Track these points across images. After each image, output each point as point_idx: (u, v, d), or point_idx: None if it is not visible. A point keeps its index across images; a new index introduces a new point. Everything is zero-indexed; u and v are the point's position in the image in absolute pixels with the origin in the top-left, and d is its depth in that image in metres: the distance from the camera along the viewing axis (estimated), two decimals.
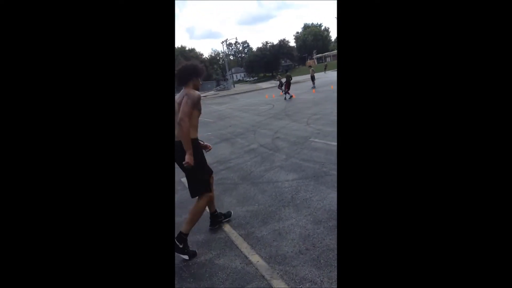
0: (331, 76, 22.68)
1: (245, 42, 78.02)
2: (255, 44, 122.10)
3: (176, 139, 1.88)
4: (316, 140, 4.48)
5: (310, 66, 17.18)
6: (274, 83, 25.82)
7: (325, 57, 57.60)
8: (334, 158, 3.49)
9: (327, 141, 4.33)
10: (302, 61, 59.33)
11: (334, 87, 12.71)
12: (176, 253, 1.89)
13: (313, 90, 13.05)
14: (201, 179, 1.97)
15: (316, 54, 59.08)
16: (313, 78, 15.02)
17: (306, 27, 68.87)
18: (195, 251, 1.99)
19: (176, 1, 1.20)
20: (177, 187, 3.27)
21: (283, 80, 12.84)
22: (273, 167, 3.53)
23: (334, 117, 6.06)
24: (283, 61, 53.04)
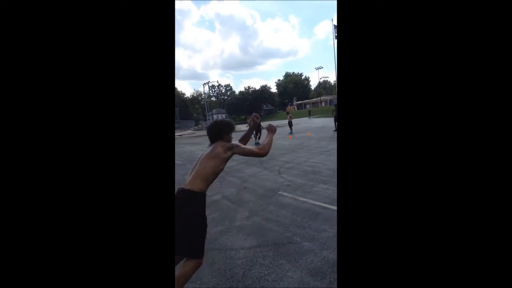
0: (314, 122, 23.31)
1: (228, 85, 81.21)
2: (238, 89, 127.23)
3: (184, 186, 1.69)
4: (285, 194, 4.10)
5: (287, 113, 17.54)
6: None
7: (305, 104, 60.45)
8: (301, 218, 3.10)
9: (296, 195, 3.96)
10: (283, 106, 61.73)
11: (311, 133, 12.80)
12: None
13: (290, 136, 13.08)
14: (202, 241, 1.70)
15: (296, 101, 61.93)
16: (290, 124, 15.22)
17: (287, 75, 73.20)
18: None
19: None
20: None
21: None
22: (231, 228, 3.05)
23: (306, 167, 5.79)
24: (264, 105, 54.84)
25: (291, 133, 14.38)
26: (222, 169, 1.82)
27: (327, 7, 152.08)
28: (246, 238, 2.75)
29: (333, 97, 57.33)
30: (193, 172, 1.75)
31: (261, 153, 1.82)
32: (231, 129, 1.96)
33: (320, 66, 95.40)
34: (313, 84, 76.71)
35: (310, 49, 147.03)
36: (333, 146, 8.38)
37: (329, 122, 18.67)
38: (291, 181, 4.83)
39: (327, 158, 6.59)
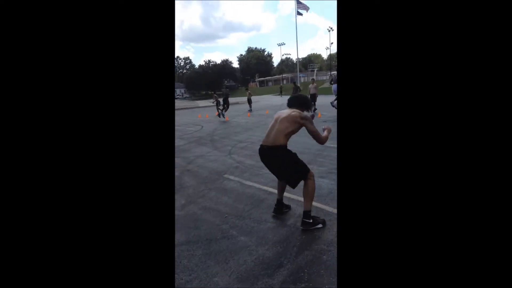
0: (276, 100, 23.08)
1: (187, 58, 76.88)
2: (198, 62, 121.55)
3: (269, 144, 2.25)
4: (231, 177, 3.76)
5: (247, 89, 17.00)
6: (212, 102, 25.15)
7: (267, 81, 59.93)
8: (242, 205, 2.79)
9: (242, 179, 3.64)
10: (245, 83, 60.58)
11: (270, 111, 12.55)
12: (310, 228, 2.19)
13: (248, 113, 12.70)
14: (302, 165, 2.26)
15: (259, 78, 61.11)
16: (249, 101, 14.79)
17: (250, 50, 71.26)
18: (324, 219, 2.30)
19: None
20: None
21: (221, 100, 12.20)
22: None
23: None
24: (226, 81, 53.24)
25: (250, 110, 13.99)
26: (295, 131, 2.26)
27: None
28: (176, 232, 2.37)
29: (295, 74, 57.67)
30: (274, 131, 2.25)
31: (321, 140, 2.27)
32: (309, 107, 2.57)
33: (283, 42, 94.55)
34: (276, 61, 76.16)
35: (274, 25, 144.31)
36: None
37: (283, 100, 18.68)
38: (240, 162, 4.50)
39: None
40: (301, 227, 2.21)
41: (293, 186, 2.29)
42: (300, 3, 32.12)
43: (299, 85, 13.30)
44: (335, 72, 13.23)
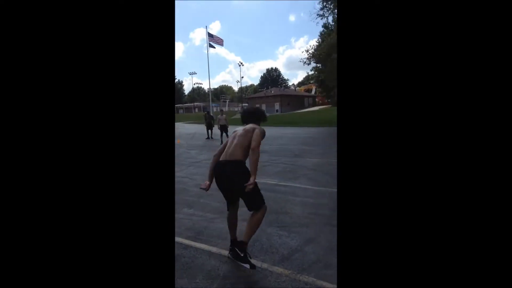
0: (187, 128, 22.14)
1: None
2: None
3: (228, 159, 2.10)
4: None
5: None
6: None
7: (178, 108, 58.34)
8: None
9: None
10: None
11: (181, 141, 11.79)
12: (237, 261, 2.03)
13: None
14: (259, 194, 2.10)
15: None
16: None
17: None
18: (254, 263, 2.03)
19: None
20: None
21: None
22: None
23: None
24: None
25: None
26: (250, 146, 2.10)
27: (203, 14, 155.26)
28: None
29: (207, 104, 58.22)
30: (232, 146, 2.14)
31: (255, 155, 2.06)
32: (265, 116, 2.55)
33: (194, 71, 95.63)
34: (187, 89, 75.57)
35: (185, 54, 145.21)
36: (204, 156, 7.74)
37: (202, 129, 18.23)
38: None
39: (195, 170, 5.83)
40: (228, 255, 2.10)
41: (251, 208, 2.08)
42: (212, 36, 33.35)
43: (212, 114, 13.11)
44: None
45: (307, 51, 19.35)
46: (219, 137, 10.98)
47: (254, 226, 2.06)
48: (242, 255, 2.01)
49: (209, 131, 12.47)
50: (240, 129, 2.31)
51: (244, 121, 2.41)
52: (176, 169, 6.04)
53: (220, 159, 2.17)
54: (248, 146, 2.10)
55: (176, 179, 5.12)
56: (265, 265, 2.12)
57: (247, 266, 1.98)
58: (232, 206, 2.25)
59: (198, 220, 3.09)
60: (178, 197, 3.99)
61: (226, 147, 2.21)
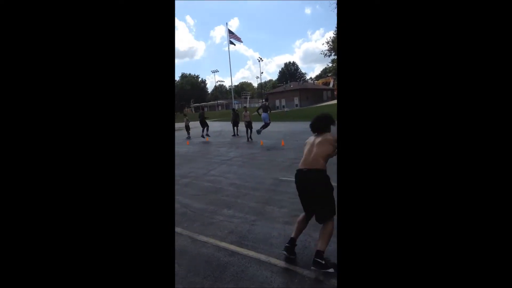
0: (212, 125, 22.35)
1: None
2: None
3: (309, 167, 2.15)
4: (178, 230, 2.98)
5: (185, 115, 16.08)
6: None
7: (202, 106, 59.30)
8: (200, 278, 2.09)
9: (193, 232, 2.91)
10: (179, 108, 58.72)
11: (209, 138, 11.90)
12: (322, 270, 1.98)
13: (187, 141, 11.81)
14: (333, 203, 2.10)
15: (194, 103, 60.08)
16: (187, 128, 13.90)
17: (184, 76, 70.22)
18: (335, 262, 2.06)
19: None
20: None
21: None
22: None
23: (206, 182, 4.81)
24: None
25: (188, 138, 13.09)
26: (332, 155, 2.15)
27: (222, 11, 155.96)
28: None
29: (229, 101, 58.62)
30: (312, 155, 2.17)
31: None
32: (334, 121, 2.28)
33: (216, 69, 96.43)
34: (209, 87, 76.58)
35: (207, 52, 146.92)
36: (234, 153, 7.72)
37: (227, 126, 18.31)
38: (187, 206, 3.74)
39: (228, 169, 5.80)
40: (312, 267, 2.02)
41: (320, 221, 2.13)
42: (233, 33, 33.35)
43: (237, 111, 13.08)
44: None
45: (327, 43, 18.72)
46: (244, 134, 10.93)
47: (328, 236, 2.09)
48: (323, 262, 2.02)
49: (235, 128, 12.46)
50: (312, 138, 2.34)
51: (314, 129, 2.36)
52: (208, 167, 6.08)
53: (301, 167, 2.22)
54: (328, 155, 2.16)
55: (210, 177, 5.13)
56: (313, 274, 1.99)
57: (332, 270, 2.00)
58: (308, 213, 2.27)
59: (240, 223, 3.03)
60: (215, 197, 3.96)
61: (305, 155, 2.25)
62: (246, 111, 10.89)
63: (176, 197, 4.18)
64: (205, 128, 12.21)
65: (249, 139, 10.43)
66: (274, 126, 15.40)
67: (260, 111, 10.34)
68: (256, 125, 10.71)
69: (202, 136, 12.23)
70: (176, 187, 4.72)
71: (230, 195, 4.01)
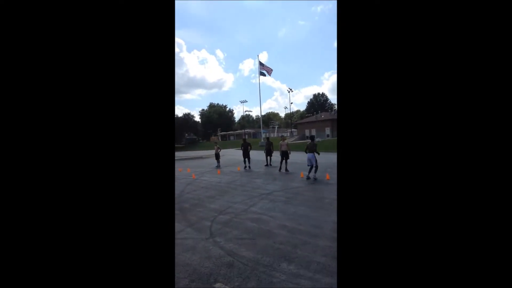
0: (240, 154, 21.98)
1: None
2: None
3: None
4: None
5: (215, 143, 15.77)
6: (177, 155, 23.18)
7: (229, 135, 60.08)
8: None
9: None
10: (206, 136, 59.91)
11: (241, 168, 11.30)
12: None
13: (218, 170, 11.29)
14: None
15: (221, 132, 61.14)
16: (217, 156, 13.49)
17: (211, 106, 72.52)
18: None
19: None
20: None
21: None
22: None
23: (249, 221, 4.07)
24: (187, 134, 51.90)
25: (218, 166, 12.60)
26: None
27: (251, 46, 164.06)
28: None
29: (256, 130, 58.95)
30: None
31: None
32: None
33: (245, 100, 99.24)
34: (236, 117, 78.17)
35: (235, 84, 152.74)
36: (273, 186, 6.97)
37: (257, 155, 17.73)
38: (232, 253, 3.01)
39: (271, 205, 5.04)
40: None
41: None
42: (263, 65, 34.16)
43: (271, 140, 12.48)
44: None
45: None
46: (277, 164, 10.22)
47: None
48: None
49: (269, 157, 11.82)
50: None
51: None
52: (248, 202, 5.36)
53: None
54: None
55: (253, 215, 4.39)
56: None
57: None
58: None
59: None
60: (267, 243, 3.19)
61: None
62: (283, 140, 10.27)
63: (217, 239, 3.47)
64: (247, 159, 11.57)
65: (286, 170, 9.69)
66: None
67: (307, 151, 8.03)
68: (292, 155, 9.96)
69: (247, 167, 11.48)
70: (216, 226, 4.03)
71: (285, 243, 3.23)
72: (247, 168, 11.30)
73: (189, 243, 3.39)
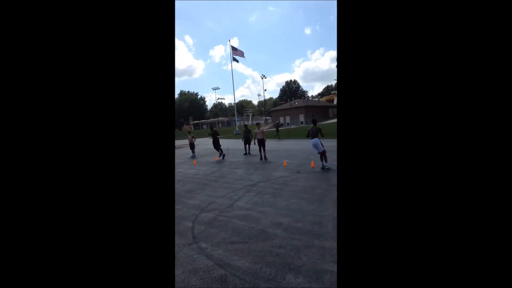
0: (226, 143, 21.10)
1: None
2: None
3: None
4: None
5: (189, 132, 14.83)
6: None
7: (202, 123, 58.37)
8: None
9: None
10: (178, 125, 57.88)
11: (218, 158, 10.66)
12: None
13: (194, 161, 10.55)
14: None
15: (193, 120, 59.28)
16: (192, 146, 12.67)
17: (182, 93, 69.82)
18: None
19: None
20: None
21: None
22: None
23: (236, 219, 3.52)
24: None
25: (193, 157, 11.83)
26: None
27: (222, 33, 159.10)
28: None
29: (230, 118, 57.87)
30: None
31: None
32: None
33: (217, 86, 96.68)
34: (209, 105, 76.01)
35: (205, 71, 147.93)
36: (257, 176, 6.47)
37: (232, 144, 17.11)
38: (224, 263, 2.46)
39: (259, 199, 4.53)
40: None
41: None
42: (236, 49, 33.01)
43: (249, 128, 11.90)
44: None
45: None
46: (257, 152, 9.75)
47: None
48: None
49: (247, 146, 11.28)
50: None
51: None
52: (232, 195, 4.81)
53: None
54: None
55: (241, 212, 3.85)
56: None
57: None
58: None
59: None
60: (263, 247, 2.68)
61: None
62: (259, 128, 9.74)
63: (202, 245, 2.90)
64: (220, 148, 10.90)
65: (264, 158, 9.23)
66: (287, 144, 14.29)
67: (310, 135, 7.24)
68: (269, 143, 9.48)
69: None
70: (199, 227, 3.44)
71: (284, 246, 2.74)
72: (221, 157, 10.67)
73: None
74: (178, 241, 3.04)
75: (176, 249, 2.83)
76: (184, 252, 2.74)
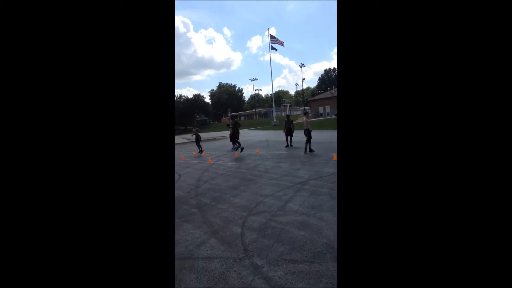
0: (254, 135, 20.82)
1: None
2: None
3: None
4: None
5: (228, 125, 14.54)
6: (186, 138, 22.38)
7: (240, 115, 58.73)
8: None
9: None
10: (217, 117, 58.91)
11: (260, 150, 10.16)
12: None
13: (235, 153, 10.19)
14: None
15: (231, 112, 59.92)
16: (232, 138, 12.32)
17: (221, 86, 70.71)
18: None
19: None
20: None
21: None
22: None
23: (293, 228, 2.91)
24: (197, 116, 50.91)
25: (234, 148, 11.50)
26: None
27: (259, 23, 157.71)
28: None
29: (267, 109, 57.31)
30: None
31: None
32: None
33: (255, 77, 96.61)
34: (246, 97, 76.17)
35: (243, 63, 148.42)
36: (306, 172, 5.80)
37: (270, 135, 16.53)
38: None
39: (316, 200, 3.88)
40: None
41: None
42: (274, 38, 32.00)
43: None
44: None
45: None
46: (301, 144, 9.02)
47: None
48: None
49: (289, 137, 10.59)
50: None
51: None
52: (281, 195, 4.22)
53: None
54: None
55: (296, 217, 3.25)
56: None
57: None
58: None
59: None
60: (333, 270, 2.04)
61: None
62: (308, 117, 8.96)
63: (257, 261, 2.36)
64: (237, 141, 10.43)
65: (309, 151, 8.50)
66: (330, 136, 13.29)
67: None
68: (316, 134, 8.70)
69: (232, 149, 10.85)
70: (250, 235, 2.91)
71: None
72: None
73: (216, 268, 2.30)
74: (227, 253, 2.55)
75: (224, 266, 2.35)
76: (236, 271, 2.24)
